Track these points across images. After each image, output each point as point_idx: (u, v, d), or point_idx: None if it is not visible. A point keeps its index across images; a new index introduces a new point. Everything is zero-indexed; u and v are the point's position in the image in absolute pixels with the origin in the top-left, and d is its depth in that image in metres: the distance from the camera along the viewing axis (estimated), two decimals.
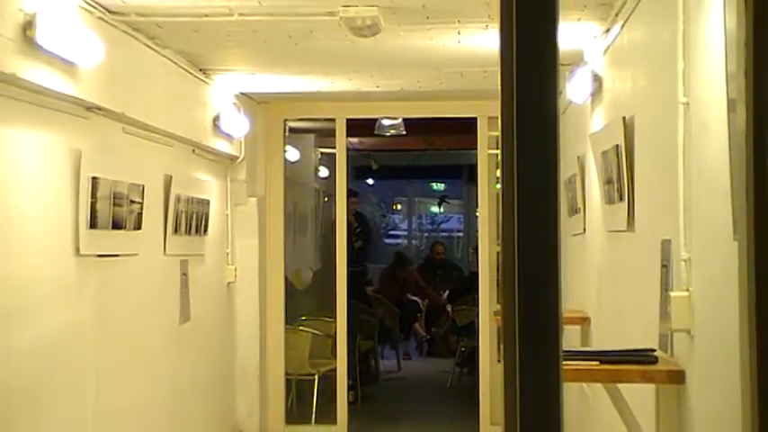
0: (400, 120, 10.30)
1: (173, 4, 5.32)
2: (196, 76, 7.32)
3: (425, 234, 20.27)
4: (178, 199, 7.08)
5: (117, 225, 5.94)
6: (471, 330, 10.46)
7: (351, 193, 10.64)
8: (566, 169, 6.98)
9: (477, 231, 9.85)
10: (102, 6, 5.34)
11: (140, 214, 6.27)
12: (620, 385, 4.26)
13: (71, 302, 5.46)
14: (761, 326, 1.61)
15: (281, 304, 9.13)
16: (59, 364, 5.32)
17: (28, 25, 4.53)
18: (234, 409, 8.84)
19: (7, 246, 4.73)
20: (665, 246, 4.14)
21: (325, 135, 10.51)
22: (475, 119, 8.98)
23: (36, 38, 4.57)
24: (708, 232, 3.53)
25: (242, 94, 8.33)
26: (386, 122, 10.48)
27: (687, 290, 3.81)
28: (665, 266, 4.14)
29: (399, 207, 20.69)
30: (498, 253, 8.45)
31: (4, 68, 4.41)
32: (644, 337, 4.44)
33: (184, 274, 7.44)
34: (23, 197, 4.93)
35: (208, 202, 7.85)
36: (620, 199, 5.11)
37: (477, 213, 9.66)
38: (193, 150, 7.60)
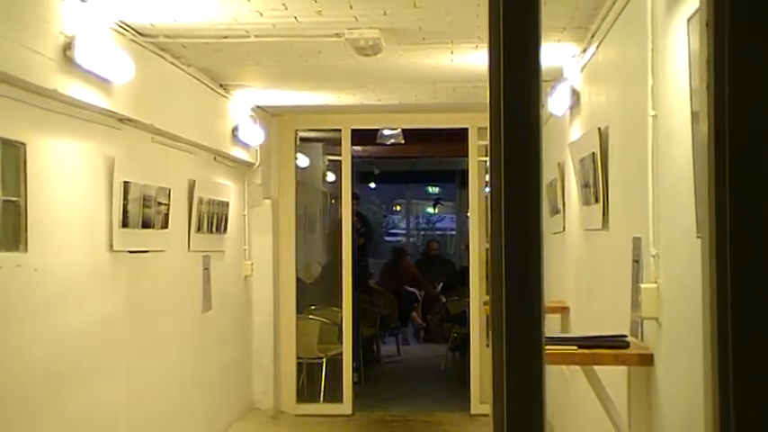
0: (399, 130, 10.28)
1: (196, 26, 5.32)
2: (217, 91, 7.33)
3: (422, 232, 20.25)
4: (201, 201, 7.09)
5: (146, 224, 5.95)
6: (463, 318, 10.45)
7: (352, 196, 10.63)
8: (547, 174, 6.97)
9: (468, 230, 9.83)
10: (133, 29, 5.35)
11: (167, 215, 6.27)
12: (596, 367, 4.26)
13: (106, 293, 5.48)
14: (721, 314, 1.61)
15: (293, 295, 9.14)
16: (95, 347, 5.34)
17: (68, 46, 4.54)
18: (250, 388, 8.85)
19: (51, 243, 4.74)
20: (636, 243, 4.14)
21: (332, 144, 10.50)
22: (466, 129, 8.98)
23: (75, 57, 4.58)
24: (674, 230, 3.54)
25: (258, 107, 8.33)
26: (386, 132, 10.47)
27: (655, 282, 3.81)
28: (636, 261, 4.14)
29: (398, 208, 20.67)
30: (487, 249, 8.46)
31: (46, 85, 4.42)
32: (617, 325, 4.44)
33: (206, 269, 7.45)
34: (64, 199, 4.94)
35: (227, 204, 7.86)
36: (596, 201, 5.11)
37: (468, 214, 9.65)
38: (214, 157, 7.61)
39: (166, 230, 6.30)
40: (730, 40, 1.62)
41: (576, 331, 5.96)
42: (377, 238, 17.29)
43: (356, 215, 12.54)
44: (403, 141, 10.70)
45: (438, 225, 20.24)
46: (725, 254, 1.60)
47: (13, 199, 4.46)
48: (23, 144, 4.51)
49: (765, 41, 1.59)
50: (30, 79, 4.29)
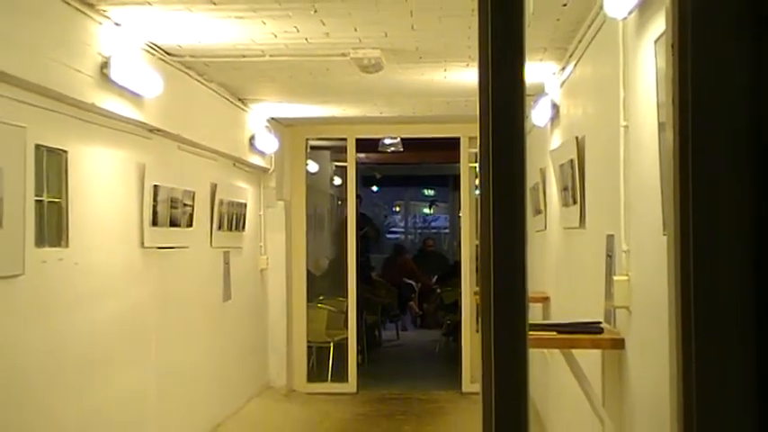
0: (398, 139, 10.27)
1: (218, 47, 5.33)
2: (236, 105, 7.34)
3: (419, 231, 20.19)
4: (221, 202, 7.09)
5: (173, 223, 5.95)
6: (455, 307, 10.44)
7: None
8: (531, 178, 6.97)
9: (460, 228, 9.83)
10: (162, 49, 5.35)
11: (191, 215, 6.28)
12: (573, 350, 4.27)
13: (137, 285, 5.48)
14: (685, 303, 1.61)
15: (303, 286, 9.13)
16: (129, 332, 5.34)
17: (104, 65, 4.55)
18: (266, 369, 8.85)
19: (89, 239, 4.75)
20: (610, 240, 4.14)
21: (339, 151, 10.48)
22: (458, 138, 8.96)
23: (110, 75, 4.59)
24: (643, 229, 3.54)
25: (272, 118, 8.33)
26: (387, 141, 10.46)
27: (627, 275, 3.81)
28: (609, 256, 4.14)
29: (398, 209, 20.63)
30: (477, 246, 8.45)
31: (85, 99, 4.43)
32: (592, 313, 4.44)
33: (226, 263, 7.45)
34: (101, 201, 4.95)
35: (245, 205, 7.86)
36: (574, 202, 5.10)
37: (460, 214, 9.64)
38: (234, 163, 7.61)
39: (191, 229, 6.30)
40: (693, 60, 1.62)
41: (556, 318, 5.96)
42: (378, 237, 17.24)
43: (360, 216, 12.55)
44: (402, 149, 10.70)
45: (433, 224, 20.19)
46: (688, 249, 1.60)
47: (56, 200, 4.47)
48: (65, 151, 4.51)
49: (723, 61, 1.60)
50: (71, 94, 4.30)
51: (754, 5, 1.58)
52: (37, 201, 4.23)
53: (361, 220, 12.73)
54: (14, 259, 3.98)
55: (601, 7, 4.00)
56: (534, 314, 6.53)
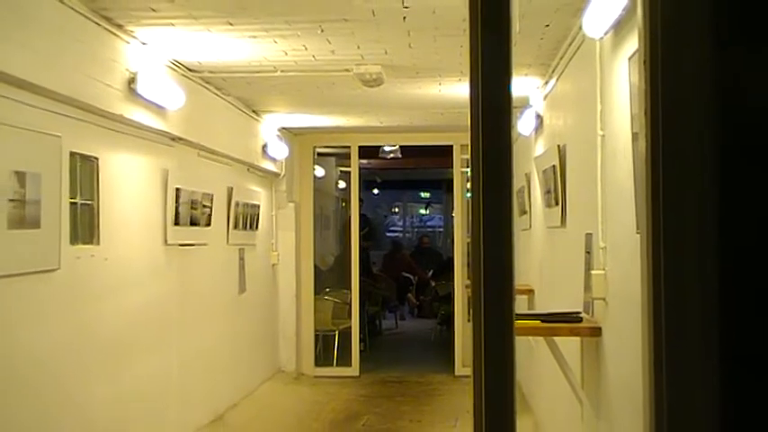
0: (397, 146, 10.27)
1: (234, 64, 5.33)
2: (250, 115, 7.34)
3: (416, 229, 20.20)
4: (237, 204, 7.09)
5: (193, 222, 5.95)
6: (449, 299, 10.45)
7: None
8: (517, 182, 6.97)
9: (453, 227, 9.83)
10: (184, 66, 5.36)
11: (210, 215, 6.28)
12: (555, 338, 4.27)
13: (160, 279, 5.49)
14: (656, 295, 1.62)
15: (311, 280, 9.12)
16: (153, 321, 5.35)
17: (131, 80, 4.56)
18: (277, 354, 8.86)
19: (118, 237, 4.76)
20: (588, 238, 4.14)
21: (343, 158, 10.49)
22: (451, 146, 8.96)
23: (137, 89, 4.59)
24: (618, 228, 3.54)
25: (283, 128, 8.34)
26: (387, 148, 10.46)
27: (603, 269, 3.82)
28: (588, 252, 4.14)
29: (396, 210, 20.62)
30: (468, 243, 8.46)
31: (114, 111, 4.44)
32: (572, 303, 4.44)
33: (242, 258, 7.45)
34: (128, 203, 4.95)
35: (258, 206, 7.87)
36: (556, 204, 5.11)
37: (453, 214, 9.64)
38: (248, 169, 7.62)
39: (209, 228, 6.31)
40: (662, 75, 1.63)
41: (540, 309, 5.97)
42: (378, 235, 17.23)
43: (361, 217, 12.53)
44: (400, 155, 10.70)
45: (429, 223, 20.19)
46: (658, 247, 1.61)
47: (88, 202, 4.48)
48: (96, 158, 4.52)
49: (690, 76, 1.60)
50: (102, 106, 4.31)
51: (715, 27, 1.58)
52: (71, 203, 4.24)
53: (365, 222, 12.73)
54: (51, 255, 3.99)
55: (580, 28, 4.01)
56: (520, 305, 6.53)
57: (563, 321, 4.07)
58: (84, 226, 4.43)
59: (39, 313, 3.93)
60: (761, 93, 1.58)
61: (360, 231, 9.45)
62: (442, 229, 19.26)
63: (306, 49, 4.95)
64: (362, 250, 10.84)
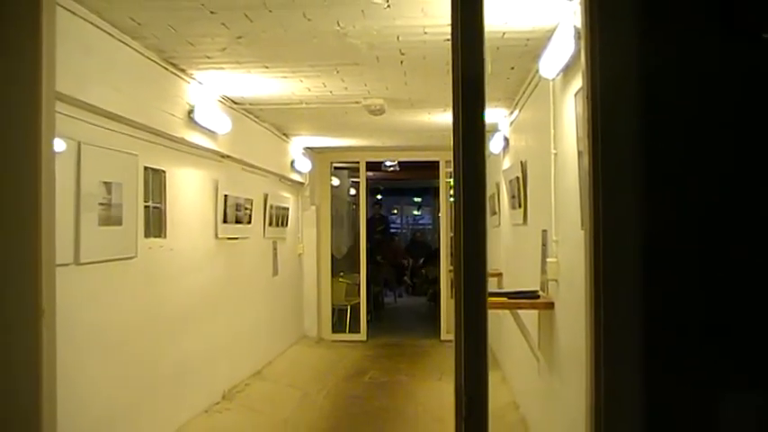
0: (396, 161, 10.26)
1: (269, 98, 5.33)
2: (281, 138, 7.33)
3: (410, 226, 20.15)
4: (271, 207, 7.08)
5: (238, 221, 5.95)
6: (436, 281, 10.42)
7: (376, 202, 10.49)
8: (489, 189, 6.96)
9: (439, 224, 9.81)
10: (230, 99, 5.36)
11: (250, 215, 6.28)
12: (518, 311, 4.27)
13: (212, 265, 5.49)
14: (596, 277, 1.63)
15: (329, 265, 9.08)
16: (207, 298, 5.35)
17: (191, 111, 4.56)
18: (302, 323, 8.85)
19: (180, 232, 4.76)
20: (544, 233, 4.13)
21: (354, 170, 10.47)
22: (438, 161, 8.95)
23: (195, 118, 4.59)
24: (567, 225, 3.54)
25: (307, 147, 8.32)
26: (388, 163, 10.42)
27: (556, 258, 3.81)
28: (544, 245, 4.13)
29: (395, 211, 20.57)
30: (451, 237, 8.43)
31: (178, 134, 4.44)
32: (532, 284, 4.43)
33: (275, 249, 7.45)
34: (188, 206, 4.95)
35: (287, 209, 7.85)
36: (519, 206, 5.10)
37: (439, 215, 9.62)
38: (280, 179, 7.60)
39: (250, 225, 6.31)
40: (601, 107, 1.64)
41: (507, 288, 5.98)
42: (387, 231, 17.12)
43: (379, 216, 12.48)
44: (398, 169, 10.69)
45: (420, 222, 20.11)
46: (599, 240, 1.62)
47: (158, 205, 4.48)
48: (164, 171, 4.53)
49: (620, 107, 1.61)
50: (168, 131, 4.32)
51: (644, 67, 1.60)
52: (145, 206, 4.25)
53: (381, 220, 12.68)
54: (131, 246, 4.01)
55: (537, 70, 4.01)
56: (491, 285, 6.50)
57: (524, 298, 4.07)
58: (155, 224, 4.44)
59: (122, 290, 3.94)
60: (676, 118, 1.59)
61: (377, 228, 9.39)
62: (430, 226, 19.20)
63: (325, 86, 4.95)
64: (376, 243, 10.81)
